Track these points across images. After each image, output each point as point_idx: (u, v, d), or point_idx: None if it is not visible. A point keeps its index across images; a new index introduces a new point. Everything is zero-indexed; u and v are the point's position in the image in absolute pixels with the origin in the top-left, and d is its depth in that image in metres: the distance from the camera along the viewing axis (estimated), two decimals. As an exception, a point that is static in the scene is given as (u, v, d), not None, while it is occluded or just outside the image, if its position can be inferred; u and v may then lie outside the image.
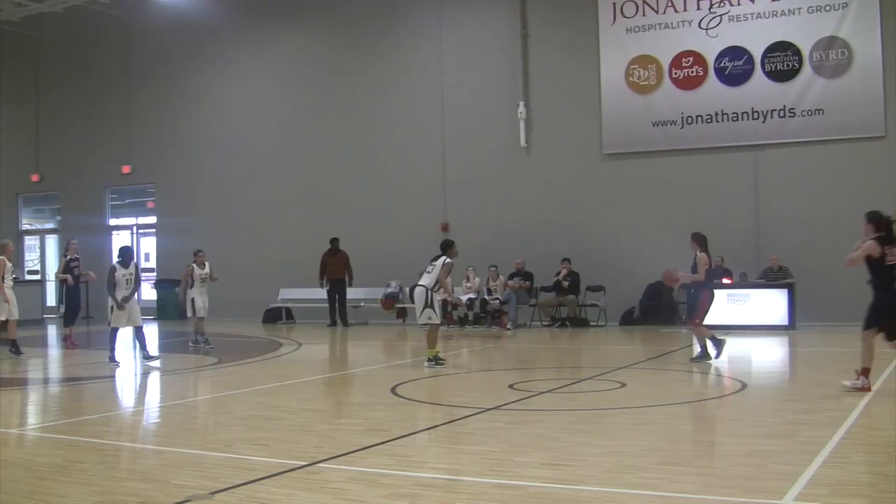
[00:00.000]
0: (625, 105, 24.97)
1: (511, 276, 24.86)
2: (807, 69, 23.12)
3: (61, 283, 23.03)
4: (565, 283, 24.30)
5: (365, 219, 27.70)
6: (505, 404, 11.54)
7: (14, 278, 20.03)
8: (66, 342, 21.72)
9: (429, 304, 16.23)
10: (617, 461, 8.19)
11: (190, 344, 20.76)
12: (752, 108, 23.61)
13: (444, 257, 16.47)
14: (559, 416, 10.84)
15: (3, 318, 19.26)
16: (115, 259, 19.32)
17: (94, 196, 34.11)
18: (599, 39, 25.20)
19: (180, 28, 31.56)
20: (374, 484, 7.57)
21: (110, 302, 17.94)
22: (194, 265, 20.89)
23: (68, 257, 22.29)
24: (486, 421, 10.54)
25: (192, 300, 20.84)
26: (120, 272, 17.84)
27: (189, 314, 21.16)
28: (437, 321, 16.46)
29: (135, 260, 18.69)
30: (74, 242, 23.03)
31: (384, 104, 28.12)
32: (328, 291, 26.48)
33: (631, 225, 24.61)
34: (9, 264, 19.42)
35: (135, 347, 18.23)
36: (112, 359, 17.73)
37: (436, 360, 16.09)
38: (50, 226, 36.66)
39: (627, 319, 24.27)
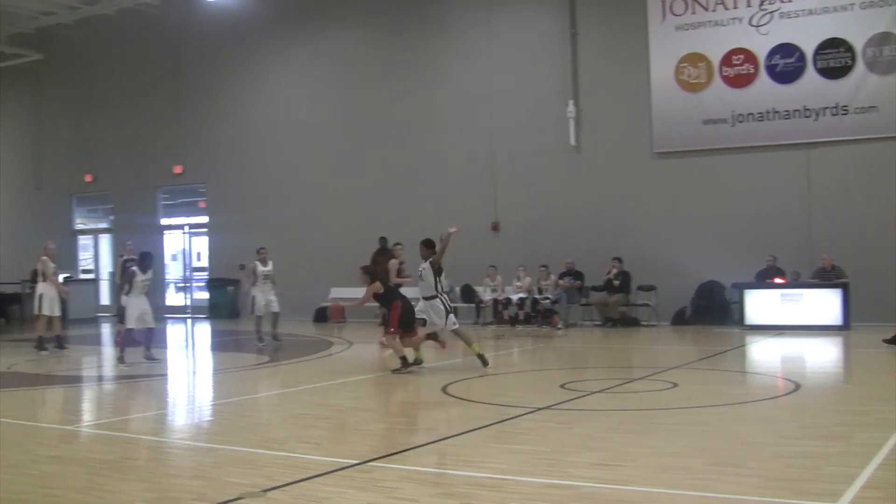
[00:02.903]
0: (675, 103, 24.83)
1: (562, 276, 24.82)
2: (860, 66, 22.86)
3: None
4: (616, 283, 24.21)
5: (414, 217, 27.69)
6: (556, 404, 11.53)
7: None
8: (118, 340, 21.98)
9: (449, 310, 16.30)
10: (668, 462, 8.16)
11: (257, 343, 20.83)
12: (804, 106, 23.38)
13: (430, 260, 16.69)
14: (610, 416, 10.82)
15: (45, 314, 20.04)
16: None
17: (147, 196, 34.42)
18: (649, 37, 25.08)
19: (230, 29, 31.76)
20: (425, 483, 7.60)
21: (123, 302, 18.05)
22: (257, 262, 21.05)
23: (124, 258, 22.56)
24: (538, 420, 10.54)
25: (254, 298, 20.94)
26: (139, 277, 17.93)
27: (250, 312, 21.28)
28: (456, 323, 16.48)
29: (153, 266, 18.71)
30: (130, 244, 23.33)
31: (433, 104, 28.14)
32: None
33: (682, 224, 24.47)
34: (51, 264, 19.93)
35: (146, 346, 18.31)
36: (122, 359, 17.85)
37: (481, 359, 15.98)
38: (103, 225, 37.02)
39: (679, 319, 24.13)
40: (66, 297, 20.71)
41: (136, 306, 17.90)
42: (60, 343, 20.54)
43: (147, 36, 33.64)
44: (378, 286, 16.47)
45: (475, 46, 27.53)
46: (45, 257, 20.41)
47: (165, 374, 17.26)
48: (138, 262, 18.43)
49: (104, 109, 35.33)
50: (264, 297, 21.07)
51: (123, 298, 18.34)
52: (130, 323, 17.97)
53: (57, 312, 20.50)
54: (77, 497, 7.51)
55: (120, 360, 17.81)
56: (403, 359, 15.74)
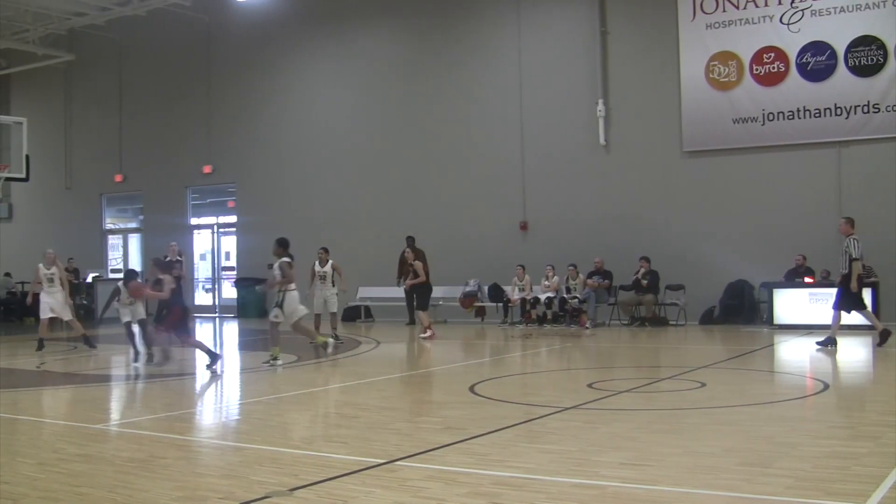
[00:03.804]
0: (705, 102, 24.74)
1: (590, 275, 24.77)
2: (892, 63, 22.71)
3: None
4: (644, 282, 24.14)
5: (443, 217, 27.75)
6: (583, 403, 11.50)
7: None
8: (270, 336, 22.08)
9: (278, 304, 17.40)
10: (696, 462, 8.12)
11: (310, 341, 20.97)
12: (836, 104, 23.25)
13: (284, 259, 17.47)
14: (638, 416, 10.77)
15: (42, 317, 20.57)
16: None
17: (176, 196, 34.58)
18: (679, 36, 25.00)
19: (260, 29, 31.89)
20: (453, 482, 7.58)
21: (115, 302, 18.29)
22: (316, 262, 21.26)
23: (168, 259, 22.78)
24: (565, 420, 10.51)
25: (314, 297, 21.32)
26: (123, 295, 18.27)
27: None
28: (282, 319, 17.47)
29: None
30: (173, 245, 23.54)
31: (462, 103, 28.15)
32: (405, 290, 26.54)
33: (711, 223, 24.38)
34: (46, 269, 20.64)
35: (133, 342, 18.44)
36: (136, 358, 17.95)
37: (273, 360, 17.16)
38: (133, 225, 37.23)
39: (707, 318, 24.04)
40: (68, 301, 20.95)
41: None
42: (89, 342, 20.64)
43: (177, 36, 33.80)
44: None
45: (505, 46, 27.51)
46: (40, 264, 20.98)
47: (194, 373, 17.33)
48: (125, 278, 18.53)
49: (134, 110, 35.53)
50: (322, 297, 21.26)
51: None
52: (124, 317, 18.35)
53: (50, 315, 20.78)
54: (105, 495, 7.53)
55: (149, 358, 17.86)
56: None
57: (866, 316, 18.18)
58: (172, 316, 17.07)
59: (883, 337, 17.56)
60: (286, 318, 17.57)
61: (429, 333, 22.13)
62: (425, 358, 19.85)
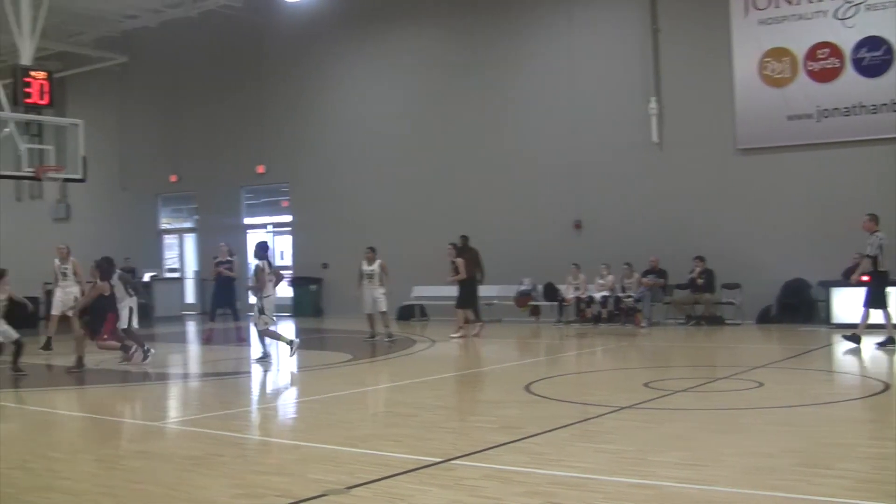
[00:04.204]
0: (758, 99, 24.51)
1: (645, 274, 24.65)
2: (950, 58, 22.43)
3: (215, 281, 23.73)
4: (700, 281, 23.97)
5: (496, 216, 27.70)
6: (639, 403, 11.45)
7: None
8: (206, 337, 22.24)
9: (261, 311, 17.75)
10: (754, 462, 8.06)
11: (385, 339, 21.11)
12: (892, 100, 22.93)
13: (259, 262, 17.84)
14: (695, 416, 10.73)
15: (54, 313, 20.52)
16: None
17: (230, 196, 34.82)
18: (732, 32, 24.78)
19: (310, 29, 32.02)
20: (509, 482, 7.58)
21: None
22: (363, 262, 21.38)
23: (217, 259, 23.03)
24: (621, 419, 10.48)
25: (363, 296, 21.50)
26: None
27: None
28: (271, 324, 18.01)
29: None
30: (223, 245, 23.76)
31: (513, 101, 28.10)
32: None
33: (767, 221, 24.15)
34: (58, 265, 20.55)
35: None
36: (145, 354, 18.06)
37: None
38: (188, 225, 37.51)
39: (764, 317, 23.82)
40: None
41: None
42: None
43: (229, 37, 34.03)
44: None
45: (557, 44, 27.43)
46: (55, 259, 20.87)
47: (250, 372, 17.46)
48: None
49: (188, 110, 35.83)
50: (370, 296, 21.41)
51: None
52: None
53: (61, 310, 20.69)
54: (163, 492, 7.62)
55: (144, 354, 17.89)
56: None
57: (886, 316, 17.87)
58: (107, 322, 17.50)
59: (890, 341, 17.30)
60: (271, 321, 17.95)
61: (460, 334, 22.20)
62: (480, 357, 19.86)
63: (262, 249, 18.23)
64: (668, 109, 25.61)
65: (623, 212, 25.83)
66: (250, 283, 17.89)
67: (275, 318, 18.36)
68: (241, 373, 17.27)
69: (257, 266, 17.88)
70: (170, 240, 37.70)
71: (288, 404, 13.81)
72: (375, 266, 21.52)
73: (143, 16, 33.17)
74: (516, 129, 27.94)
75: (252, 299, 18.09)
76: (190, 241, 37.06)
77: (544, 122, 27.42)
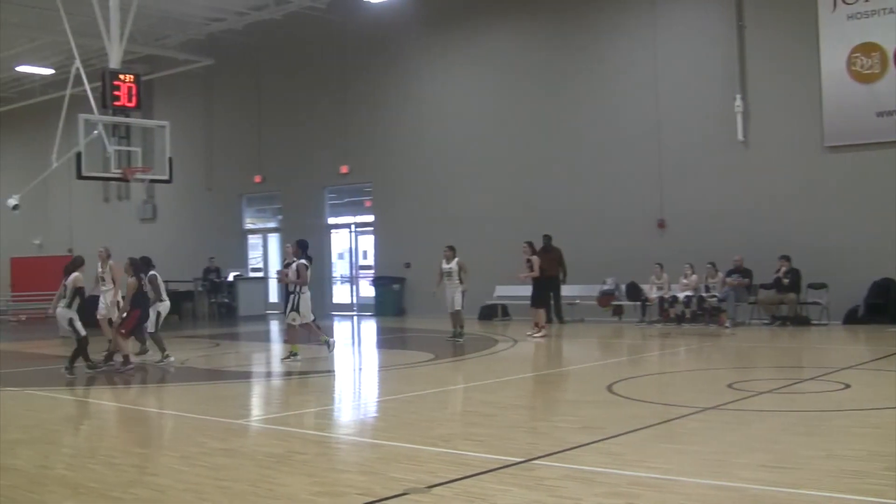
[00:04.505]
0: (847, 95, 24.07)
1: (729, 273, 24.35)
2: None
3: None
4: (786, 281, 23.64)
5: (579, 215, 27.58)
6: (723, 404, 11.31)
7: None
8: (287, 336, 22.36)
9: (294, 307, 17.97)
10: (840, 465, 7.92)
11: (456, 339, 21.20)
12: None
13: (302, 261, 18.14)
14: (779, 418, 10.57)
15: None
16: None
17: (314, 196, 35.07)
18: (819, 28, 24.36)
19: (393, 29, 32.14)
20: (590, 482, 7.54)
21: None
22: (443, 260, 21.46)
23: (287, 261, 23.16)
24: (704, 420, 10.37)
25: (444, 295, 21.61)
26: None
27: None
28: (300, 322, 18.02)
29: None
30: (289, 246, 23.86)
31: (596, 100, 27.94)
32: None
33: (854, 220, 23.71)
34: (98, 269, 20.11)
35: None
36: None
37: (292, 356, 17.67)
38: (272, 225, 37.85)
39: (851, 318, 23.41)
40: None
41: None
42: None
43: (313, 38, 34.27)
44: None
45: (640, 41, 27.22)
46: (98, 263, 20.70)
47: (332, 371, 17.56)
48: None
49: (272, 111, 36.16)
50: (449, 295, 21.53)
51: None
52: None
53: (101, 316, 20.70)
54: (246, 489, 7.68)
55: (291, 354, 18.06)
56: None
57: None
58: (130, 319, 17.57)
59: None
60: (302, 319, 18.09)
61: (541, 333, 22.16)
62: (562, 357, 19.78)
63: (303, 248, 18.52)
64: (753, 107, 25.26)
65: (707, 211, 25.53)
66: (292, 279, 18.02)
67: (311, 316, 18.54)
68: (323, 372, 17.36)
69: (300, 263, 18.09)
70: (254, 240, 38.08)
71: (369, 403, 13.87)
72: (453, 264, 21.53)
73: (228, 18, 33.61)
74: (600, 128, 27.77)
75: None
76: (274, 241, 37.39)
77: (627, 121, 27.22)
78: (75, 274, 16.39)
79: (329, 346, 18.35)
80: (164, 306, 18.88)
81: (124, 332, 17.52)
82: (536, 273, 22.54)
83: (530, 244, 23.01)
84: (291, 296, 18.12)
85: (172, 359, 18.15)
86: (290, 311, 18.07)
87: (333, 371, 17.65)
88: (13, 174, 44.90)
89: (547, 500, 7.04)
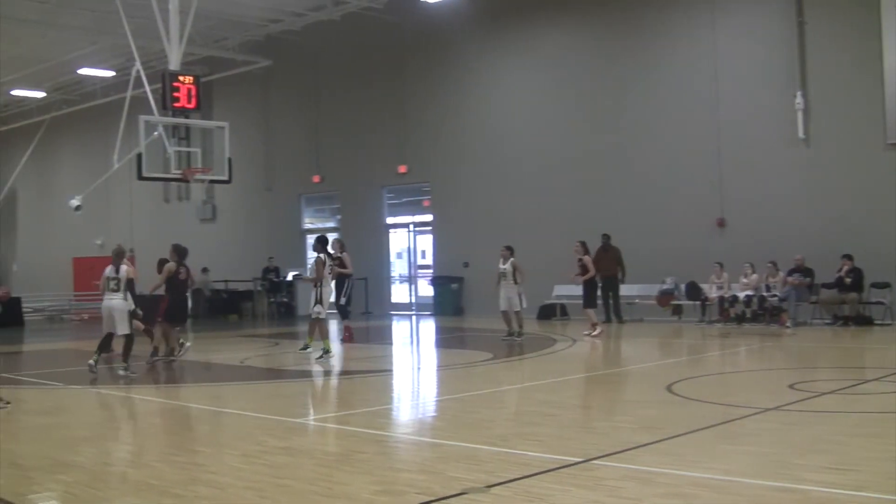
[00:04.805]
0: (910, 92, 23.74)
1: (790, 273, 24.11)
2: None
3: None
4: (847, 280, 23.36)
5: (638, 214, 27.43)
6: (784, 405, 11.21)
7: (296, 275, 20.67)
8: (345, 335, 22.45)
9: (318, 300, 18.21)
10: (906, 467, 7.83)
11: (515, 338, 21.19)
12: None
13: (319, 256, 18.58)
14: (842, 419, 10.44)
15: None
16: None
17: (372, 195, 35.17)
18: (882, 23, 23.98)
19: (450, 28, 32.16)
20: (649, 482, 7.50)
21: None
22: (500, 260, 21.58)
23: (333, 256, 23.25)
24: (764, 421, 10.28)
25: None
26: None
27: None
28: (324, 315, 18.36)
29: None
30: (336, 241, 23.98)
31: (654, 97, 27.76)
32: (601, 288, 26.35)
33: (919, 218, 23.40)
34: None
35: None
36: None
37: (325, 352, 17.99)
38: (330, 225, 37.98)
39: (917, 317, 23.13)
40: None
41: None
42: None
43: (370, 38, 34.37)
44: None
45: (699, 38, 27.01)
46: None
47: (391, 370, 17.60)
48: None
49: (330, 111, 36.31)
50: (505, 294, 21.55)
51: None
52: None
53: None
54: (306, 488, 7.72)
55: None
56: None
57: None
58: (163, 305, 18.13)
59: None
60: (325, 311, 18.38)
61: (597, 331, 22.12)
62: (621, 357, 19.70)
63: (321, 243, 18.84)
64: (814, 104, 24.97)
65: (768, 209, 25.28)
66: (308, 276, 18.35)
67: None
68: (382, 371, 17.41)
69: (318, 258, 18.51)
70: (312, 239, 38.23)
71: (428, 403, 13.89)
72: (508, 265, 21.53)
73: (285, 19, 33.84)
74: (658, 126, 27.59)
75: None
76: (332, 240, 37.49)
77: (686, 119, 27.02)
78: (126, 266, 16.47)
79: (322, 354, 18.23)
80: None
81: (160, 319, 18.02)
82: (592, 273, 22.55)
83: (583, 244, 23.00)
84: (315, 290, 18.38)
85: (184, 349, 18.69)
86: (315, 305, 18.26)
87: (392, 370, 17.69)
88: (75, 175, 45.56)
89: (606, 501, 7.02)
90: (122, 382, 15.63)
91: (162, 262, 19.02)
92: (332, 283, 19.00)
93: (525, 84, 30.91)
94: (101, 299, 16.44)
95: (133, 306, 16.49)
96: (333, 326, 22.43)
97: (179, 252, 18.43)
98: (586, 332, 22.14)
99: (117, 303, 16.25)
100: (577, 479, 7.70)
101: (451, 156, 32.53)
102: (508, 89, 31.24)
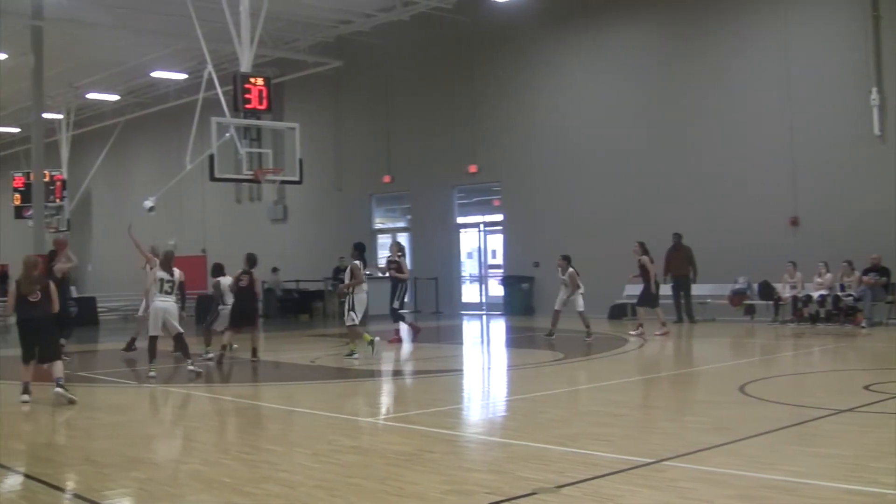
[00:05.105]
0: None
1: (866, 272, 23.74)
2: None
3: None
4: (925, 279, 23.00)
5: (709, 213, 27.18)
6: (860, 406, 11.04)
7: (367, 275, 20.59)
8: (409, 333, 22.44)
9: (351, 308, 18.58)
10: None
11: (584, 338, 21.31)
12: None
13: (355, 262, 18.90)
14: (919, 420, 10.29)
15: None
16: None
17: (442, 195, 35.19)
18: (960, 16, 23.61)
19: (519, 27, 32.10)
20: (720, 484, 7.43)
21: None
22: (558, 270, 21.95)
23: (389, 257, 23.39)
24: (840, 423, 10.14)
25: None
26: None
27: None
28: (357, 321, 18.60)
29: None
30: (394, 243, 24.10)
31: (725, 95, 27.47)
32: (673, 288, 26.19)
33: None
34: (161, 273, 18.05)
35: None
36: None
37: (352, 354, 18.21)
38: (401, 224, 38.11)
39: None
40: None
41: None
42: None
43: (440, 38, 34.42)
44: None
45: (770, 34, 26.69)
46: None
47: (461, 370, 17.61)
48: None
49: (400, 112, 36.41)
50: (562, 297, 21.84)
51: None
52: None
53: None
54: (376, 486, 7.74)
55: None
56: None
57: None
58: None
59: None
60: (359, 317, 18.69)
61: (639, 331, 22.18)
62: (693, 357, 19.55)
63: (358, 249, 19.20)
64: (890, 100, 24.55)
65: (842, 207, 24.92)
66: (347, 281, 18.56)
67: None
68: (452, 370, 17.42)
69: (354, 264, 18.76)
70: (383, 239, 38.34)
71: (498, 402, 13.88)
72: (566, 276, 21.75)
73: (356, 20, 34.01)
74: (729, 125, 27.31)
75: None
76: (403, 240, 37.58)
77: (757, 116, 26.72)
78: (178, 270, 16.83)
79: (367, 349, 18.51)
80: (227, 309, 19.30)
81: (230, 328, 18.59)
82: (651, 273, 22.64)
83: (641, 244, 22.97)
84: (348, 297, 18.82)
85: (211, 355, 18.87)
86: (349, 312, 18.62)
87: (462, 370, 17.70)
88: (148, 177, 46.18)
89: (676, 502, 6.97)
90: (193, 376, 15.80)
91: (217, 268, 19.86)
92: (363, 292, 19.08)
93: (595, 83, 30.77)
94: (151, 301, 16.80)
95: (182, 308, 16.93)
96: (404, 326, 22.41)
97: (250, 260, 18.92)
98: (658, 332, 22.02)
99: (171, 305, 16.63)
100: (647, 480, 7.66)
101: (521, 155, 32.46)
102: (578, 88, 31.13)
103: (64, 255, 19.60)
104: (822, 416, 10.48)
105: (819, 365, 17.27)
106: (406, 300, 23.01)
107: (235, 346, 19.64)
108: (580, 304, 21.58)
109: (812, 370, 16.40)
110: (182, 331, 16.68)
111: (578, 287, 21.70)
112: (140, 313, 21.03)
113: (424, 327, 23.36)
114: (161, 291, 16.47)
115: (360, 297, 18.61)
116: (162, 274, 16.51)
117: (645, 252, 22.94)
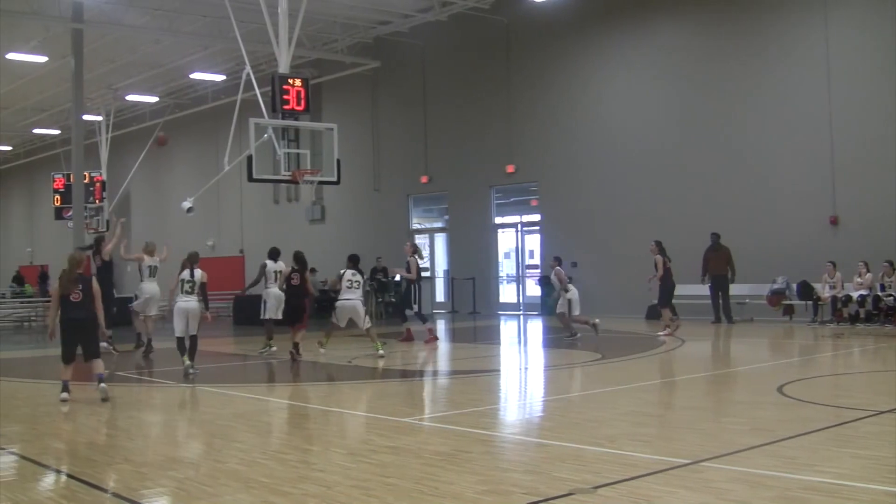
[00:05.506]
0: None
1: (906, 272, 23.60)
2: None
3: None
4: (967, 279, 22.78)
5: (748, 213, 27.05)
6: (900, 407, 10.97)
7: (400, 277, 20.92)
8: (429, 335, 22.41)
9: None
10: None
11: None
12: None
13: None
14: (961, 422, 10.19)
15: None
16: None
17: (480, 195, 35.20)
18: None
19: (556, 26, 32.08)
20: (759, 485, 7.38)
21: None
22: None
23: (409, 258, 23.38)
24: (880, 424, 10.06)
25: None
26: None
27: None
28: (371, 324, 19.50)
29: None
30: (408, 245, 24.09)
31: (766, 94, 27.31)
32: (711, 288, 26.08)
33: None
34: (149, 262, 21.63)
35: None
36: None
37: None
38: (438, 225, 38.15)
39: None
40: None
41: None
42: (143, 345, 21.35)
43: (477, 38, 34.45)
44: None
45: (811, 34, 26.52)
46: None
47: (498, 370, 17.60)
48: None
49: (438, 112, 36.45)
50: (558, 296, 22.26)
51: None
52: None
53: (150, 312, 21.35)
54: (412, 486, 7.74)
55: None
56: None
57: None
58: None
59: None
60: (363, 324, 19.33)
61: (666, 332, 22.19)
62: (731, 357, 19.45)
63: (352, 261, 19.56)
64: (932, 98, 24.37)
65: (883, 207, 24.71)
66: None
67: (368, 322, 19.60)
68: (489, 371, 17.42)
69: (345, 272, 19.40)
70: (421, 239, 38.41)
71: (535, 402, 13.85)
72: (553, 276, 22.47)
73: (394, 21, 34.14)
74: (769, 123, 27.16)
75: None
76: (440, 240, 37.71)
77: (798, 116, 26.56)
78: (199, 270, 16.93)
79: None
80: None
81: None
82: (661, 273, 22.64)
83: (658, 243, 22.98)
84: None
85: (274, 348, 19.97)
86: (365, 317, 19.35)
87: (499, 370, 17.69)
88: (187, 178, 46.44)
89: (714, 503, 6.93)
90: (191, 381, 15.85)
91: (274, 251, 20.72)
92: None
93: (634, 82, 30.68)
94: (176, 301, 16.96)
95: (206, 308, 17.11)
96: (442, 325, 22.42)
97: (298, 260, 19.58)
98: (660, 332, 22.09)
99: (194, 305, 16.77)
100: (684, 481, 7.62)
101: (559, 155, 32.41)
102: (617, 87, 31.06)
103: (120, 237, 22.83)
104: (862, 417, 10.40)
105: (859, 366, 17.15)
106: (414, 301, 23.19)
107: (274, 347, 19.88)
108: (561, 304, 21.95)
109: (852, 371, 16.28)
110: (196, 333, 16.84)
111: (567, 291, 21.86)
112: (132, 305, 22.24)
113: (461, 327, 23.35)
114: (182, 292, 16.69)
115: (342, 304, 19.31)
116: (184, 274, 16.69)
117: (661, 251, 22.92)
